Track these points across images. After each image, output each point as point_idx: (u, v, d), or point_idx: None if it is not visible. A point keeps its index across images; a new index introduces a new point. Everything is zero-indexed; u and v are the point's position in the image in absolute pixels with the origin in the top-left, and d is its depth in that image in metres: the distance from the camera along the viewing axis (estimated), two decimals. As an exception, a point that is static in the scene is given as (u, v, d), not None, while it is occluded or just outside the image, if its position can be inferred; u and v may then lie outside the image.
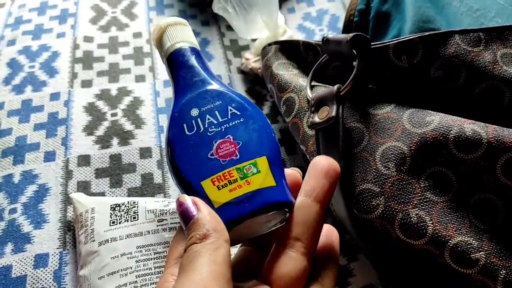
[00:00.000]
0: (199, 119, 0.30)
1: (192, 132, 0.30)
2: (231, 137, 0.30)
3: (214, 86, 0.32)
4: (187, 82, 0.32)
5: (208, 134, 0.30)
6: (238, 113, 0.31)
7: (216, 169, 0.28)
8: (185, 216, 0.27)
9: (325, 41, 0.46)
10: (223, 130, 0.30)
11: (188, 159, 0.29)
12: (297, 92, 0.48)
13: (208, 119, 0.30)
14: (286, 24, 0.70)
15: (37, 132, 0.56)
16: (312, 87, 0.47)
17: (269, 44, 0.55)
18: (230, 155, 0.29)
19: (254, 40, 0.64)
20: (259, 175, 0.28)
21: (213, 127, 0.30)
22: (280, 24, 0.61)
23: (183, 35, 0.35)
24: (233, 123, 0.30)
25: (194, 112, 0.31)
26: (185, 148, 0.30)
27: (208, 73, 0.33)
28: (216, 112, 0.31)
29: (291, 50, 0.53)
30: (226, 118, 0.30)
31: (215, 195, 0.28)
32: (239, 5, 0.58)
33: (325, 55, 0.48)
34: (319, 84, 0.48)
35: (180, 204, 0.27)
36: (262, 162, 0.29)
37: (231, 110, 0.31)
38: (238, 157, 0.29)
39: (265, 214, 0.28)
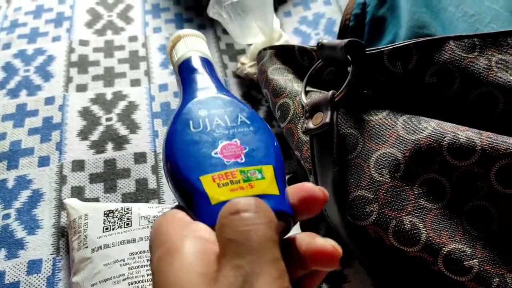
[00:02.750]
0: (207, 119, 0.29)
1: (198, 130, 0.29)
2: (238, 141, 0.29)
3: (225, 95, 0.31)
4: (197, 87, 0.32)
5: (215, 134, 0.29)
6: (248, 122, 0.30)
7: (218, 167, 0.27)
8: None
9: (320, 46, 0.46)
10: (230, 133, 0.29)
11: (188, 154, 0.27)
12: (292, 98, 0.48)
13: (216, 121, 0.29)
14: (282, 28, 0.70)
15: (32, 137, 0.56)
16: (307, 92, 0.47)
17: (265, 49, 0.55)
18: (235, 157, 0.28)
19: (250, 44, 0.64)
20: (263, 181, 0.27)
21: (221, 129, 0.29)
22: (275, 29, 0.61)
23: (198, 45, 0.36)
24: (242, 129, 0.29)
25: (203, 112, 0.30)
26: (187, 142, 0.28)
27: (219, 84, 0.33)
28: (226, 117, 0.30)
29: (286, 55, 0.53)
30: (235, 124, 0.29)
31: (214, 192, 0.26)
32: (233, 10, 0.58)
33: (320, 60, 0.48)
34: (314, 89, 0.47)
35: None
36: (268, 170, 0.28)
37: (241, 118, 0.30)
38: (243, 160, 0.28)
39: None
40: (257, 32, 0.60)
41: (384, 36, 0.54)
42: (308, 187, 0.27)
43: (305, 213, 0.27)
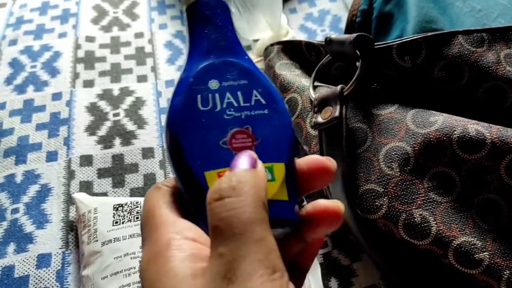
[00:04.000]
0: (217, 95, 0.25)
1: (206, 108, 0.25)
2: (250, 129, 0.25)
3: (242, 59, 0.27)
4: (210, 43, 0.27)
5: (225, 117, 0.25)
6: (264, 102, 0.26)
7: (226, 162, 0.24)
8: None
9: (328, 41, 0.46)
10: (242, 117, 0.25)
11: (194, 140, 0.24)
12: (300, 92, 0.48)
13: (228, 98, 0.26)
14: (288, 25, 0.70)
15: (39, 132, 0.56)
16: (315, 87, 0.47)
17: (272, 45, 0.55)
18: (245, 150, 0.25)
19: (256, 40, 0.64)
20: (273, 184, 0.24)
21: (232, 110, 0.25)
22: (283, 25, 0.61)
23: None
24: (256, 112, 0.26)
25: (214, 84, 0.26)
26: (194, 124, 0.25)
27: (235, 40, 0.28)
28: (239, 93, 0.26)
29: (294, 51, 0.53)
30: (248, 104, 0.26)
31: None
32: (242, 5, 0.58)
33: (328, 55, 0.48)
34: (322, 84, 0.48)
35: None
36: (279, 169, 0.25)
37: (256, 96, 0.26)
38: None
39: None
40: (264, 27, 0.60)
41: (391, 32, 0.54)
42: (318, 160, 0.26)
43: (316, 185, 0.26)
